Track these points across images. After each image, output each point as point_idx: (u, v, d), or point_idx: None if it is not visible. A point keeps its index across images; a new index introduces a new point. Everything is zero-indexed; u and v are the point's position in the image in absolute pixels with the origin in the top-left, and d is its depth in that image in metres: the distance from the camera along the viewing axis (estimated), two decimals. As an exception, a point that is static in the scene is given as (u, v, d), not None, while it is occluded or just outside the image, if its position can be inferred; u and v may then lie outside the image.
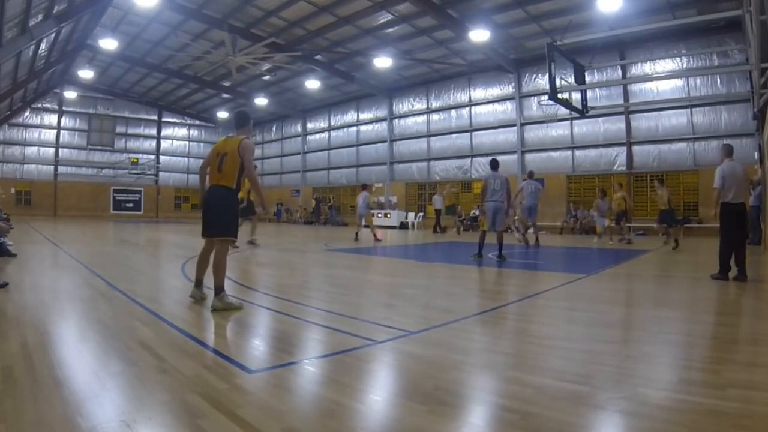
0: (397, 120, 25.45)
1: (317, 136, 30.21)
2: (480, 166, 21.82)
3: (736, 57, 14.86)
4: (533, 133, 20.35)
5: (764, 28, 8.04)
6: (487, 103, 21.60)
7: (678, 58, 16.38)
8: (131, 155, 31.12)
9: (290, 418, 2.05)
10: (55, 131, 28.95)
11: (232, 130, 4.45)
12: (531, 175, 12.45)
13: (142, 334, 3.28)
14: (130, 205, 31.47)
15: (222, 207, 4.09)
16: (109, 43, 18.28)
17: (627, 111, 17.54)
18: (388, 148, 25.66)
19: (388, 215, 23.49)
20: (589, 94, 14.13)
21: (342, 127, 28.51)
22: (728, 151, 6.18)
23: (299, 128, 31.25)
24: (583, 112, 13.19)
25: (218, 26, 17.83)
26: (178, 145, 33.66)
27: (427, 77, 23.15)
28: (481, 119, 21.89)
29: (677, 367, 2.82)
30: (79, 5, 15.20)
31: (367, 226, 14.26)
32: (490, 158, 9.40)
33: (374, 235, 13.69)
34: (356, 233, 13.67)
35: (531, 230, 12.32)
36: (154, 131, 32.49)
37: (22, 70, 19.38)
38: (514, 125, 20.64)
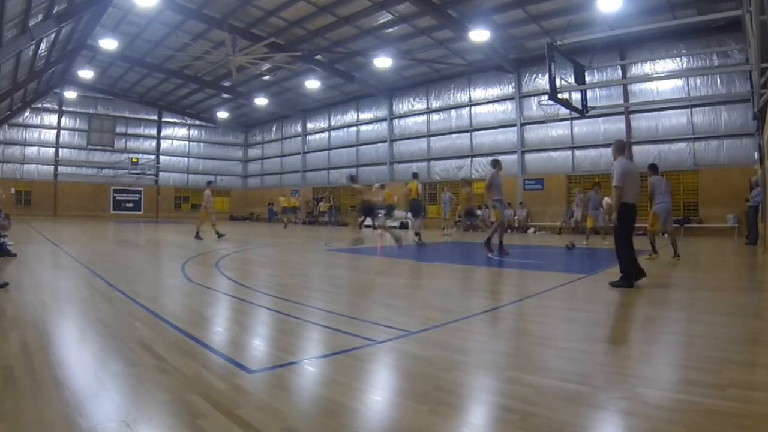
0: (397, 120, 25.46)
1: (317, 136, 30.22)
2: (480, 166, 21.80)
3: (736, 57, 14.86)
4: (533, 133, 20.36)
5: (764, 28, 8.04)
6: (487, 103, 21.61)
7: (678, 58, 16.38)
8: (131, 155, 31.09)
9: (290, 418, 2.05)
10: (55, 131, 28.94)
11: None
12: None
13: (142, 334, 3.28)
14: (130, 205, 31.46)
15: None
16: (109, 43, 18.31)
17: (627, 111, 17.55)
18: (388, 148, 25.67)
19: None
20: (589, 94, 14.13)
21: (342, 127, 28.52)
22: (622, 147, 5.71)
23: (299, 128, 31.26)
24: (583, 112, 13.19)
25: (218, 26, 17.85)
26: (178, 145, 33.64)
27: (427, 77, 23.15)
28: (481, 119, 21.89)
29: (677, 367, 2.82)
30: (79, 5, 15.19)
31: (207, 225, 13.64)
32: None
33: (197, 233, 12.85)
34: (204, 233, 12.92)
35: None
36: (154, 131, 32.48)
37: (22, 70, 19.38)
38: (514, 125, 20.65)
